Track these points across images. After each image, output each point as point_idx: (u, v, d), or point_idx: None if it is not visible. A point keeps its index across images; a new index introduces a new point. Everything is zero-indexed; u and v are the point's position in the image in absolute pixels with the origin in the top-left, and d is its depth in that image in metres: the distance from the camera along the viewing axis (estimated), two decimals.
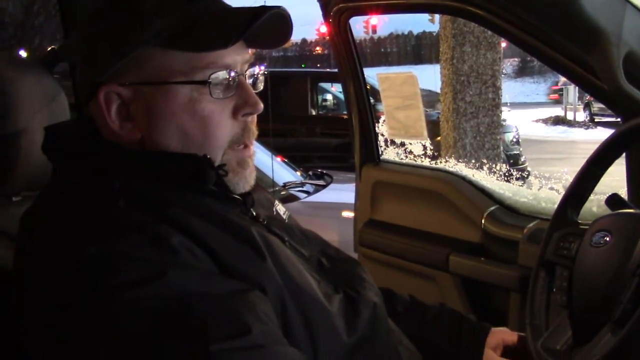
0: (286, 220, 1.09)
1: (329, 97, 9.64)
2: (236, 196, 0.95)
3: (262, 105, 0.95)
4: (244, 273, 0.85)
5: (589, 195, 1.23)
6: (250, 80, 0.97)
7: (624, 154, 1.37)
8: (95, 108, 0.92)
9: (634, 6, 1.33)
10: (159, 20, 0.89)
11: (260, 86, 1.00)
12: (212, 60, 0.90)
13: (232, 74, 0.92)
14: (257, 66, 0.99)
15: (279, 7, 0.91)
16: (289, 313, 0.87)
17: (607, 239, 1.03)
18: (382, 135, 2.35)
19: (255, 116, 0.96)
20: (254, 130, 0.97)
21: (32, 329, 0.81)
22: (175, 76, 0.89)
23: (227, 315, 0.78)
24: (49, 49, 2.05)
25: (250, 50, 0.97)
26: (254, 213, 0.99)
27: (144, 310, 0.75)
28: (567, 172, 2.23)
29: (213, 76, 0.90)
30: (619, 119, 1.41)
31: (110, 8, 0.93)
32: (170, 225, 0.83)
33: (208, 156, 0.91)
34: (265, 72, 1.03)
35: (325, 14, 2.08)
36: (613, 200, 1.25)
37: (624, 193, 1.40)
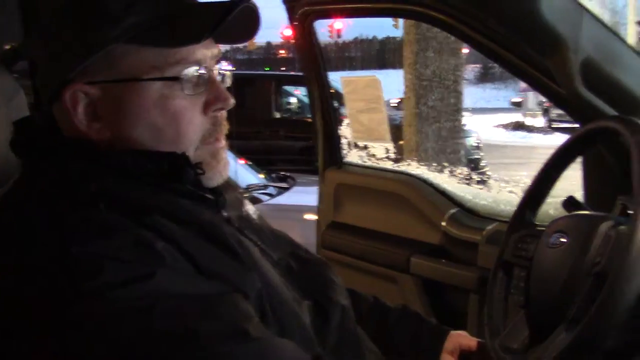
0: (256, 221, 1.09)
1: (293, 100, 9.64)
2: (209, 196, 0.94)
3: (233, 100, 0.94)
4: (223, 276, 0.84)
5: (546, 198, 1.26)
6: (220, 77, 0.96)
7: (580, 158, 1.41)
8: (59, 108, 0.90)
9: (591, 14, 1.36)
10: (129, 16, 0.87)
11: (229, 82, 0.99)
12: (184, 56, 0.89)
13: (203, 69, 0.91)
14: (222, 62, 0.98)
15: (248, 0, 0.90)
16: (267, 319, 0.87)
17: (563, 239, 1.06)
18: (346, 138, 2.36)
19: (225, 111, 0.96)
20: (225, 124, 0.97)
21: (18, 334, 0.77)
22: (146, 73, 0.88)
23: (219, 314, 0.78)
24: (8, 47, 2.00)
25: (217, 46, 0.96)
26: (226, 214, 0.98)
27: (134, 310, 0.74)
28: (526, 176, 2.27)
29: (184, 72, 0.89)
30: (577, 125, 1.44)
31: (77, 5, 0.91)
32: (149, 229, 0.82)
33: (186, 154, 0.90)
34: (232, 70, 1.02)
35: (291, 17, 2.09)
36: (569, 203, 1.28)
37: (580, 196, 1.43)
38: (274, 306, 0.88)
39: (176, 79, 0.88)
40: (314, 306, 0.99)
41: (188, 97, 0.90)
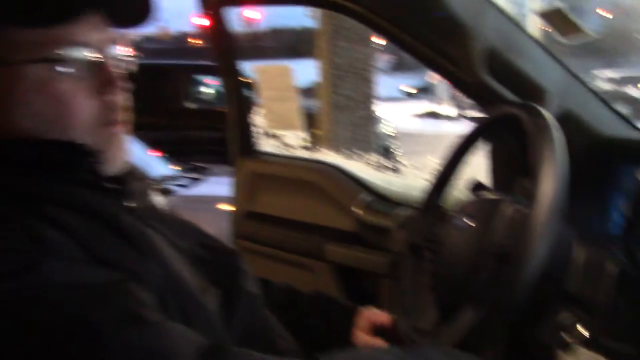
0: (163, 211, 1.07)
1: (205, 90, 9.50)
2: (110, 186, 0.92)
3: (125, 85, 0.91)
4: (120, 265, 0.81)
5: (453, 182, 1.30)
6: (115, 61, 0.92)
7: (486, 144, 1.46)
8: None
9: (495, 4, 1.41)
10: None
11: (131, 67, 0.96)
12: (65, 37, 0.85)
13: (89, 51, 0.87)
14: (124, 47, 0.95)
15: None
16: (167, 307, 0.85)
17: (470, 222, 1.09)
18: (260, 127, 2.35)
19: (121, 96, 0.92)
20: (124, 108, 0.93)
21: None
22: (21, 55, 0.83)
23: (111, 301, 0.75)
24: None
25: (115, 31, 0.92)
26: (129, 203, 0.96)
27: (18, 302, 0.71)
28: (436, 163, 2.34)
29: (64, 53, 0.85)
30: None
31: None
32: (40, 220, 0.79)
33: (81, 143, 0.87)
34: (136, 55, 0.99)
35: (202, 5, 2.05)
36: (475, 187, 1.32)
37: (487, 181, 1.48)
38: (176, 294, 0.87)
39: (54, 60, 0.84)
40: (222, 294, 0.98)
41: (72, 80, 0.86)
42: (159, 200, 1.08)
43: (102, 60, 0.89)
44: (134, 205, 0.96)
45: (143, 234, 0.89)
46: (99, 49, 0.89)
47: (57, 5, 0.84)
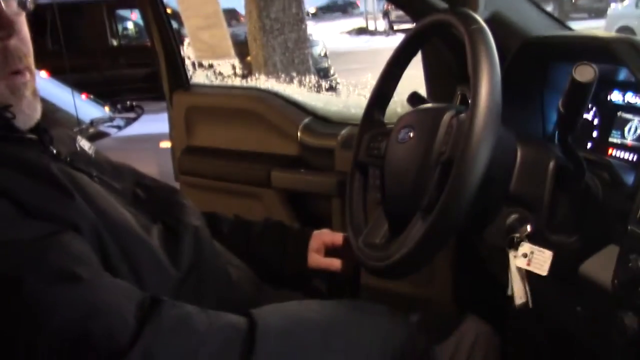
0: (92, 155, 1.03)
1: (130, 25, 9.12)
2: (30, 136, 0.88)
3: (15, 27, 0.85)
4: (52, 214, 0.79)
5: (392, 96, 1.29)
6: (7, 3, 0.86)
7: (419, 54, 1.45)
8: None
9: None
10: None
11: (29, 6, 0.89)
12: None
13: None
14: None
15: None
16: (108, 250, 0.84)
17: (411, 134, 1.09)
18: (189, 58, 2.28)
19: (19, 41, 0.86)
20: (24, 53, 0.88)
21: None
22: None
23: (44, 259, 0.74)
24: None
25: None
26: (54, 151, 0.92)
27: None
28: (373, 79, 2.33)
29: None
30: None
31: None
32: None
33: None
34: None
35: None
36: (413, 99, 1.32)
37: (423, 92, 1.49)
38: (116, 234, 0.86)
39: None
40: (164, 229, 0.97)
41: None
42: (85, 144, 1.05)
43: None
44: (59, 150, 0.93)
45: (73, 179, 0.86)
46: None
47: None
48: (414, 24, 1.27)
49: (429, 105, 1.21)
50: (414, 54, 1.26)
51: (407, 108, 1.28)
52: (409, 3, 1.44)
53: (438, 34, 1.31)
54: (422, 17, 1.21)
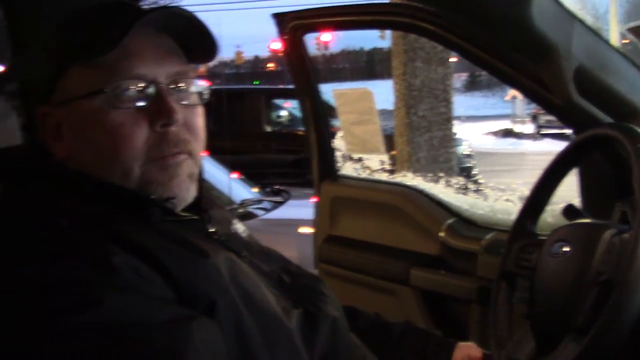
0: (245, 238, 1.08)
1: (284, 113, 9.65)
2: (188, 215, 0.94)
3: (178, 115, 0.91)
4: (195, 287, 0.82)
5: (546, 206, 1.26)
6: (176, 93, 0.93)
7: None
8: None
9: (582, 21, 1.37)
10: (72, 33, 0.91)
11: (195, 99, 0.97)
12: (120, 71, 0.88)
13: (143, 83, 0.90)
14: (194, 79, 0.97)
15: (176, 7, 0.91)
16: (245, 331, 0.85)
17: (566, 249, 1.05)
18: (340, 150, 2.36)
19: (179, 127, 0.93)
20: (185, 139, 0.94)
21: None
22: (83, 91, 0.88)
23: (161, 345, 0.74)
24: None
25: (182, 63, 0.95)
26: (211, 229, 0.98)
27: (75, 340, 0.71)
28: (520, 184, 2.27)
29: (118, 86, 0.88)
30: (565, 131, 1.44)
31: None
32: (116, 242, 0.80)
33: (152, 197, 0.90)
34: (213, 88, 1.01)
35: (281, 31, 2.09)
36: (569, 211, 1.27)
37: (577, 204, 1.43)
38: (256, 312, 0.87)
39: (108, 92, 0.87)
40: (304, 315, 0.98)
41: (128, 112, 0.89)
42: (239, 227, 1.10)
43: (160, 91, 0.91)
44: (216, 230, 0.98)
45: (222, 256, 0.90)
46: (159, 81, 0.91)
47: (103, 40, 0.87)
48: (566, 130, 1.24)
49: (587, 220, 1.16)
50: (573, 166, 1.23)
51: (560, 219, 1.24)
52: (570, 114, 1.42)
53: (600, 148, 1.27)
54: (580, 127, 1.19)
